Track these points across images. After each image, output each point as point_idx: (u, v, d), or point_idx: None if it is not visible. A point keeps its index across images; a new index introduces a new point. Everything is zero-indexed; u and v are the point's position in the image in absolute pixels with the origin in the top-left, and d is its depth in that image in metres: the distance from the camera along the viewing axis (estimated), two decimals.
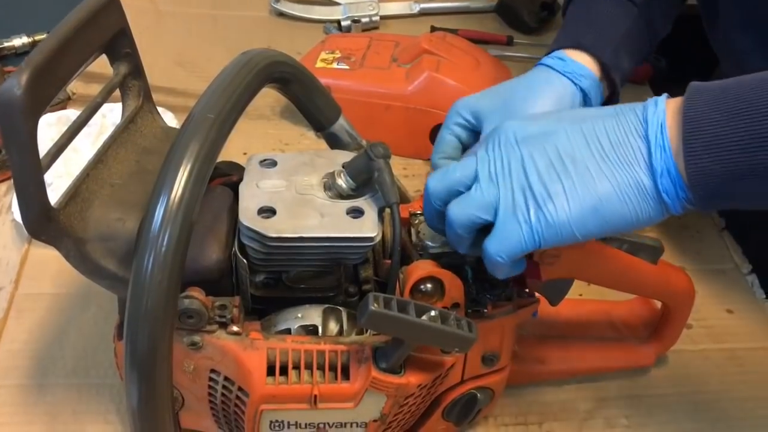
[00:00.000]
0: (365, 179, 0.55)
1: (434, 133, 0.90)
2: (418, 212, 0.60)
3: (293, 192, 0.55)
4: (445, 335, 0.51)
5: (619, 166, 0.46)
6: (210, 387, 0.56)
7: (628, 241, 0.61)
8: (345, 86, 0.89)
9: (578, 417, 0.66)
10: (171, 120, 0.87)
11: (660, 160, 0.45)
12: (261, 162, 0.58)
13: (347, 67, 0.91)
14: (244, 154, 0.90)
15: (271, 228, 0.52)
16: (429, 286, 0.54)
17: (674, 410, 0.67)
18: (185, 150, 0.46)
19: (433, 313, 0.50)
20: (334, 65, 0.92)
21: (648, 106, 0.47)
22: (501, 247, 0.49)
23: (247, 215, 0.53)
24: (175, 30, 1.11)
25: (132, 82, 0.57)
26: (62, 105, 0.93)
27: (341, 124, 0.61)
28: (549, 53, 0.74)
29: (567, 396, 0.68)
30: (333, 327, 0.57)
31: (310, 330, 0.56)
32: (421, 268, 0.53)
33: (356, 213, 0.54)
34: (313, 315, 0.56)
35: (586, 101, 0.71)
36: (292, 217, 0.53)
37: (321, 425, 0.55)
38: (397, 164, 0.91)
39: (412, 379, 0.53)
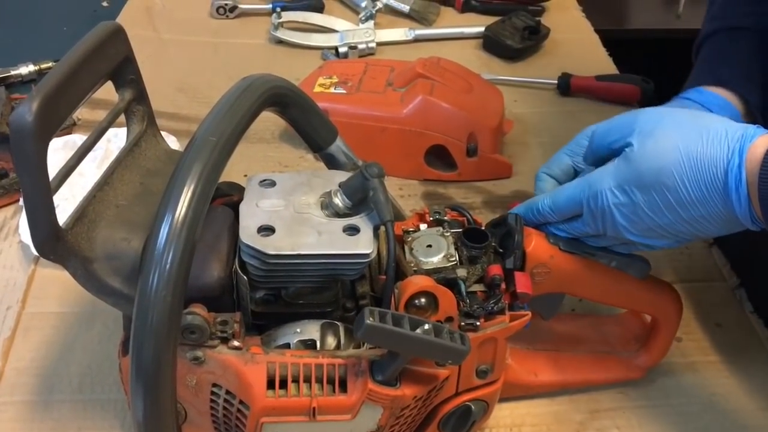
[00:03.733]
0: (361, 198, 0.57)
1: (428, 154, 0.93)
2: (411, 230, 0.63)
3: (291, 211, 0.57)
4: (438, 348, 0.53)
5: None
6: (212, 401, 0.57)
7: (617, 257, 0.64)
8: (342, 110, 0.92)
9: (571, 428, 0.68)
10: (174, 143, 0.89)
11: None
12: (261, 182, 0.60)
13: (344, 91, 0.94)
14: (245, 176, 0.93)
15: (270, 246, 0.54)
16: (423, 300, 0.55)
17: (664, 421, 0.69)
18: (188, 171, 0.49)
19: (426, 326, 0.52)
20: (332, 90, 0.94)
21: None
22: None
23: (247, 233, 0.55)
24: (177, 58, 1.14)
25: (136, 107, 0.59)
26: (68, 130, 0.96)
27: (338, 146, 0.64)
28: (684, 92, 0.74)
29: (560, 407, 0.70)
30: (331, 341, 0.59)
31: (309, 344, 0.57)
32: (415, 283, 0.55)
33: (352, 231, 0.57)
34: (311, 330, 0.58)
35: None
36: (291, 235, 0.56)
37: None
38: (393, 184, 0.93)
39: (407, 391, 0.55)
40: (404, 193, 0.92)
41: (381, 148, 0.92)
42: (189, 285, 0.54)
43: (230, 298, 0.57)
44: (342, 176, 0.61)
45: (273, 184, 0.60)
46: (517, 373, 0.68)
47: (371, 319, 0.51)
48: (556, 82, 1.11)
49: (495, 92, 0.98)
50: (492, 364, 0.61)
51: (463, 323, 0.57)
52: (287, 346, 0.57)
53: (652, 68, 1.07)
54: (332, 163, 0.64)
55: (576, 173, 0.66)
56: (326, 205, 0.58)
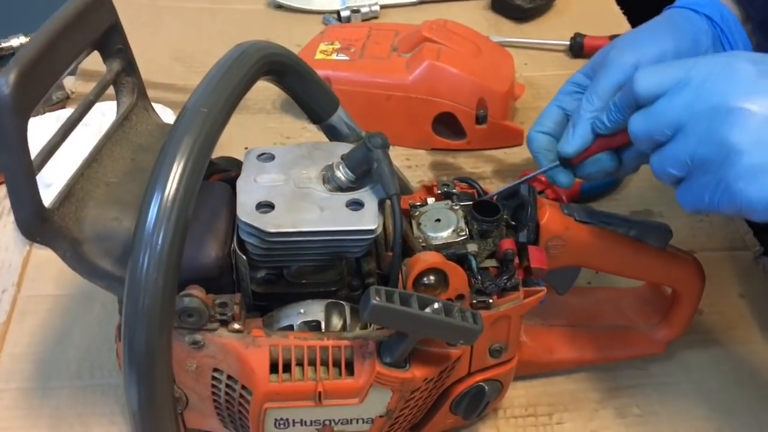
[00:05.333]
0: (364, 171, 0.54)
1: (436, 122, 0.89)
2: (418, 203, 0.59)
3: (292, 186, 0.54)
4: (449, 327, 0.50)
5: None
6: (213, 386, 0.55)
7: (636, 226, 0.60)
8: (345, 77, 0.88)
9: (589, 407, 0.65)
10: (169, 116, 0.86)
11: None
12: (259, 156, 0.57)
13: (347, 57, 0.90)
14: (245, 148, 0.89)
15: (270, 223, 0.51)
16: (432, 278, 0.52)
17: (686, 398, 0.66)
18: (178, 146, 0.45)
19: (436, 305, 0.49)
20: (334, 56, 0.91)
21: None
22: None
23: (245, 210, 0.52)
24: (172, 25, 1.10)
25: (125, 78, 0.56)
26: (62, 104, 0.93)
27: (339, 116, 0.60)
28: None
29: (577, 386, 0.67)
30: (336, 322, 0.56)
31: (313, 326, 0.55)
32: (423, 260, 0.52)
33: (356, 205, 0.53)
34: (315, 310, 0.55)
35: (719, 33, 0.63)
36: (291, 211, 0.52)
37: (326, 422, 0.54)
38: (400, 155, 0.90)
39: (417, 372, 0.52)
40: (411, 163, 0.89)
41: (386, 117, 0.89)
42: (185, 266, 0.51)
43: (230, 279, 0.55)
44: (345, 148, 0.58)
45: (272, 157, 0.57)
46: (531, 351, 0.65)
47: (377, 298, 0.48)
48: (568, 43, 1.06)
49: (505, 55, 0.94)
50: (506, 342, 0.58)
51: (474, 301, 0.54)
52: (290, 327, 0.54)
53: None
54: (334, 134, 0.61)
55: (567, 117, 0.64)
56: (328, 179, 0.55)
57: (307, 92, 0.59)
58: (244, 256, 0.53)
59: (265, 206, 0.53)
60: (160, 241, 0.44)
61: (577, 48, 1.05)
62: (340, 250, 0.54)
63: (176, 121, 0.47)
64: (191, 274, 0.52)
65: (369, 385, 0.52)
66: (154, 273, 0.44)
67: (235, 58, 0.52)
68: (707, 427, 0.64)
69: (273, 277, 0.56)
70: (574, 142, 0.57)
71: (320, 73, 0.88)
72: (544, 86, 1.01)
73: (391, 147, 0.89)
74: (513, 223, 0.59)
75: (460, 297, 0.54)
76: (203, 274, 0.53)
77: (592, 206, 0.61)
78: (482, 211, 0.58)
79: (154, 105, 0.86)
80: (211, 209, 0.55)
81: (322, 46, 0.92)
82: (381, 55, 0.90)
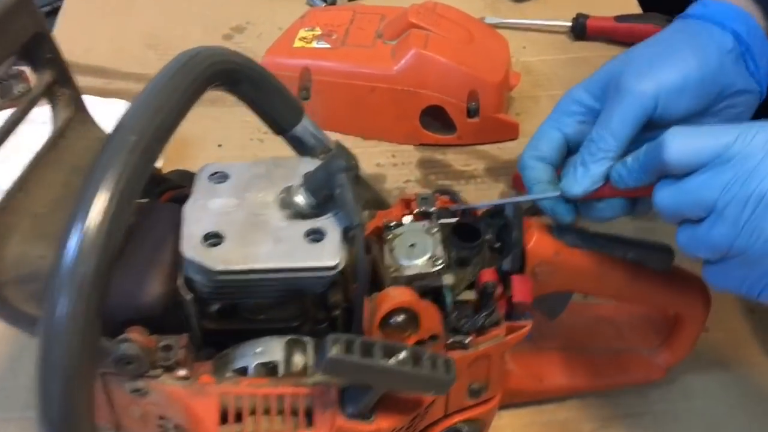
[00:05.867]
0: (326, 195, 0.48)
1: (424, 115, 0.82)
2: (393, 223, 0.53)
3: (245, 212, 0.48)
4: (417, 379, 0.44)
5: None
6: (161, 429, 0.50)
7: (634, 248, 0.54)
8: (326, 67, 0.82)
9: None
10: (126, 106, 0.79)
11: None
12: (211, 176, 0.51)
13: (328, 45, 0.83)
14: (219, 146, 0.84)
15: (217, 259, 0.46)
16: (401, 318, 0.47)
17: (687, 428, 0.61)
18: (99, 183, 0.39)
19: (402, 354, 0.44)
20: (314, 44, 0.84)
21: None
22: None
23: (190, 243, 0.46)
24: (146, 8, 1.02)
25: (60, 90, 0.50)
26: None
27: (305, 126, 0.54)
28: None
29: (568, 415, 0.62)
30: (298, 360, 0.50)
31: (270, 368, 0.49)
32: (391, 297, 0.47)
33: (316, 236, 0.48)
34: (274, 349, 0.50)
35: (744, 50, 0.54)
36: (242, 243, 0.47)
37: None
38: (385, 151, 0.83)
39: (384, 424, 0.47)
40: (397, 160, 0.82)
41: (371, 110, 0.82)
42: (125, 305, 0.47)
43: (176, 316, 0.49)
44: (309, 164, 0.52)
45: (225, 177, 0.51)
46: (519, 379, 0.60)
47: (335, 350, 0.42)
48: (570, 24, 0.99)
49: (499, 41, 0.87)
50: (486, 382, 0.52)
51: (450, 341, 0.49)
52: (245, 370, 0.49)
53: (681, 5, 0.94)
54: (299, 146, 0.55)
55: (570, 150, 0.55)
56: (287, 204, 0.49)
57: (266, 102, 0.52)
58: (189, 296, 0.47)
59: (214, 237, 0.47)
60: (80, 282, 0.38)
61: (580, 29, 0.98)
62: (298, 287, 0.48)
63: (104, 145, 0.42)
64: (131, 314, 0.47)
65: None
66: (71, 322, 0.38)
67: (178, 68, 0.46)
68: None
69: (227, 311, 0.50)
70: (582, 183, 0.50)
71: (299, 62, 0.83)
72: (543, 72, 0.93)
73: (376, 142, 0.84)
74: (497, 245, 0.53)
75: (434, 337, 0.48)
76: (145, 314, 0.47)
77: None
78: (463, 233, 0.52)
79: (119, 101, 0.81)
80: (156, 237, 0.49)
81: (302, 32, 0.86)
82: (365, 42, 0.83)
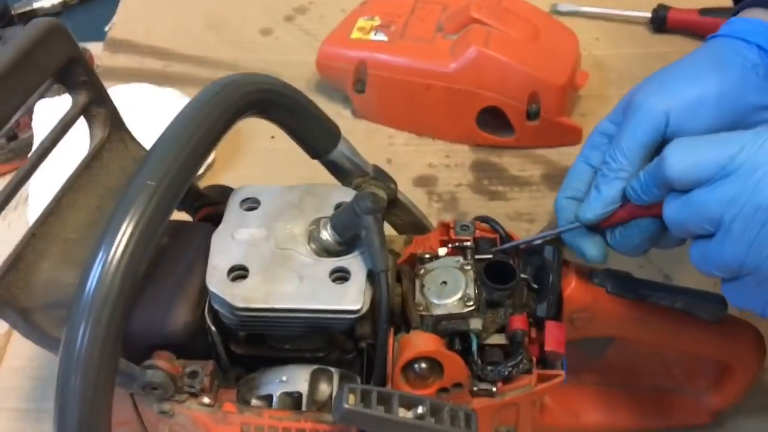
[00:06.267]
0: (353, 235, 0.47)
1: (481, 114, 0.79)
2: (427, 256, 0.52)
3: (272, 245, 0.48)
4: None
5: None
6: None
7: (683, 297, 0.51)
8: (382, 61, 0.79)
9: None
10: (178, 98, 0.79)
11: None
12: (243, 202, 0.50)
13: (386, 37, 0.81)
14: (272, 137, 0.83)
15: (240, 296, 0.45)
16: (424, 366, 0.45)
17: None
18: (126, 212, 0.39)
19: (421, 409, 0.43)
20: (371, 35, 0.81)
21: None
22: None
23: (216, 277, 0.46)
24: None
25: (95, 110, 0.50)
26: None
27: (341, 151, 0.52)
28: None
29: None
30: (324, 389, 0.50)
31: (295, 397, 0.49)
32: (415, 345, 0.45)
33: (341, 276, 0.46)
34: (299, 379, 0.49)
35: None
36: (267, 280, 0.46)
37: None
38: (439, 150, 0.81)
39: None
40: (451, 161, 0.80)
41: (425, 107, 0.80)
42: (152, 331, 0.47)
43: (204, 341, 0.49)
44: (342, 194, 0.51)
45: (257, 204, 0.50)
46: (554, 414, 0.58)
47: (351, 400, 0.42)
48: (650, 15, 0.92)
49: (568, 37, 0.82)
50: (515, 426, 0.51)
51: (475, 388, 0.47)
52: (269, 398, 0.49)
53: None
54: (335, 171, 0.53)
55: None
56: (314, 238, 0.48)
57: (301, 127, 0.51)
58: (213, 328, 0.47)
59: (239, 272, 0.47)
60: (96, 318, 0.39)
61: (660, 22, 0.91)
62: (320, 325, 0.47)
63: (133, 175, 0.41)
64: (159, 340, 0.47)
65: None
66: (89, 351, 0.39)
67: (210, 98, 0.45)
68: None
69: (254, 338, 0.50)
70: (594, 206, 0.47)
71: (356, 55, 0.81)
72: (616, 69, 0.88)
73: (430, 140, 0.82)
74: (535, 286, 0.51)
75: (458, 385, 0.47)
76: (172, 340, 0.48)
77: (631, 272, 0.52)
78: (497, 273, 0.49)
79: (172, 91, 0.81)
80: (187, 261, 0.49)
81: (361, 22, 0.83)
82: (424, 35, 0.80)
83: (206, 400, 0.47)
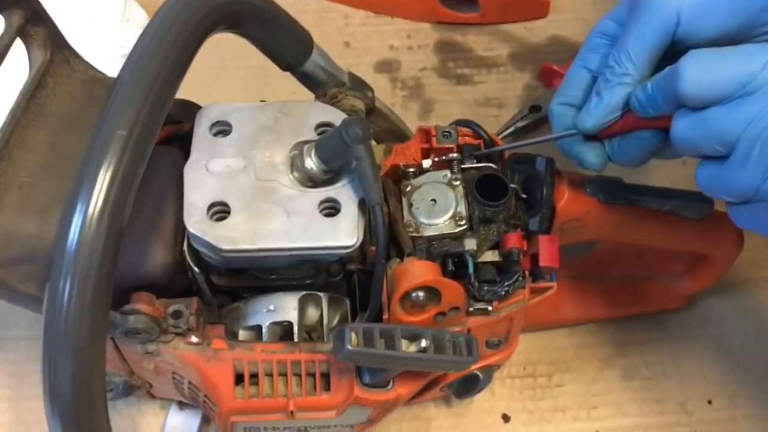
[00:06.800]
0: (341, 164, 0.43)
1: None
2: (411, 170, 0.49)
3: (252, 177, 0.44)
4: (439, 363, 0.43)
5: None
6: (175, 382, 0.50)
7: (671, 200, 0.51)
8: None
9: (593, 367, 0.60)
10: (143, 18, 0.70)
11: None
12: (212, 127, 0.46)
13: None
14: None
15: (223, 237, 0.42)
16: (421, 295, 0.44)
17: (702, 357, 0.60)
18: (102, 154, 0.36)
19: (424, 342, 0.42)
20: None
21: None
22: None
23: (194, 216, 0.43)
24: None
25: (33, 30, 0.43)
26: None
27: (314, 61, 0.48)
28: None
29: (582, 340, 0.61)
30: (312, 314, 0.49)
31: (284, 326, 0.48)
32: (413, 276, 0.44)
33: (331, 208, 0.44)
34: (287, 308, 0.48)
35: None
36: (251, 217, 0.43)
37: (301, 428, 0.49)
38: (399, 30, 0.76)
39: (402, 390, 0.46)
40: (413, 43, 0.75)
41: None
42: (128, 274, 0.44)
43: (184, 277, 0.47)
44: (320, 111, 0.47)
45: (228, 127, 0.46)
46: (534, 310, 0.58)
47: (353, 339, 0.41)
48: None
49: None
50: (506, 335, 0.51)
51: (471, 309, 0.47)
52: (258, 329, 0.47)
53: None
54: (309, 82, 0.49)
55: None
56: (298, 167, 0.44)
57: (272, 38, 0.46)
58: (197, 269, 0.44)
59: (220, 209, 0.43)
60: (82, 270, 0.36)
61: None
62: (311, 259, 0.45)
63: (103, 109, 0.37)
64: (137, 282, 0.45)
65: (347, 405, 0.46)
66: (78, 308, 0.36)
67: (173, 19, 0.39)
68: (720, 393, 0.59)
69: (237, 271, 0.48)
70: (595, 114, 0.44)
71: None
72: None
73: (389, 19, 0.76)
74: (524, 196, 0.49)
75: (455, 308, 0.46)
76: (150, 281, 0.45)
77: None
78: (487, 187, 0.47)
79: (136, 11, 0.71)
80: (157, 193, 0.45)
81: None
82: None
83: (194, 339, 0.45)
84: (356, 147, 0.41)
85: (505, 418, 0.58)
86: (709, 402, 0.59)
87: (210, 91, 0.70)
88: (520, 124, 0.68)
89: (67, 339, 0.36)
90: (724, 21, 0.42)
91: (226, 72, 0.71)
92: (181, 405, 0.57)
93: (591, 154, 0.46)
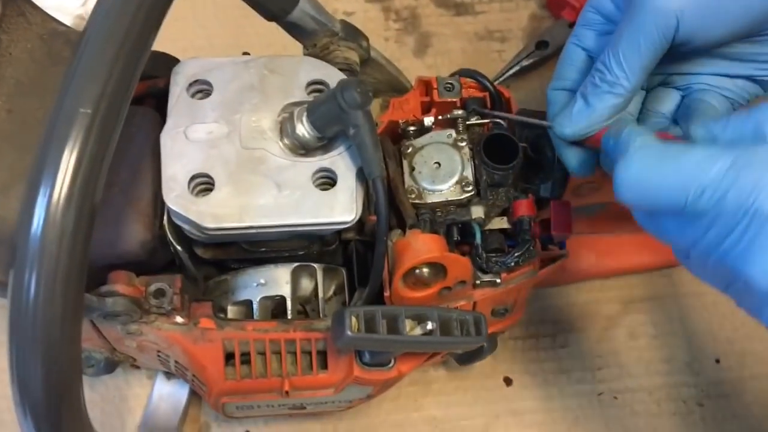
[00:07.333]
0: (336, 131, 0.39)
1: None
2: (412, 128, 0.45)
3: (237, 145, 0.40)
4: (446, 344, 0.40)
5: None
6: (161, 359, 0.46)
7: None
8: None
9: (598, 326, 0.58)
10: None
11: None
12: (190, 86, 0.41)
13: None
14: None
15: (207, 214, 0.38)
16: (426, 271, 0.41)
17: (711, 314, 0.58)
18: (70, 124, 0.31)
19: (430, 325, 0.39)
20: None
21: None
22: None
23: (174, 191, 0.38)
24: None
25: None
26: None
27: (303, 9, 0.42)
28: None
29: (588, 297, 0.59)
30: (306, 285, 0.46)
31: (277, 300, 0.44)
32: (417, 252, 0.40)
33: (326, 179, 0.40)
34: (279, 281, 0.44)
35: None
36: (238, 190, 0.39)
37: (297, 405, 0.47)
38: None
39: (403, 368, 0.44)
40: None
41: None
42: (103, 254, 0.40)
43: (165, 252, 0.43)
44: (310, 67, 0.42)
45: (209, 87, 0.41)
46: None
47: (354, 327, 0.37)
48: None
49: None
50: (512, 305, 0.48)
51: (478, 281, 0.43)
52: (249, 304, 0.44)
53: None
54: (298, 33, 0.44)
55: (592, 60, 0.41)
56: (288, 133, 0.40)
57: None
58: (179, 247, 0.40)
59: (202, 180, 0.39)
60: (50, 262, 0.31)
61: None
62: (305, 235, 0.41)
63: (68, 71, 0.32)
64: (113, 260, 0.41)
65: (345, 384, 0.43)
66: (47, 301, 0.32)
67: None
68: (728, 351, 0.57)
69: (224, 244, 0.44)
70: (577, 121, 0.38)
71: None
72: None
73: None
74: (533, 155, 0.45)
75: (461, 282, 0.43)
76: (129, 259, 0.41)
77: None
78: (495, 147, 0.43)
79: None
80: (131, 163, 0.41)
81: None
82: None
83: (179, 319, 0.42)
84: (354, 113, 0.37)
85: (507, 381, 0.56)
86: (717, 361, 0.57)
87: (183, 25, 0.64)
88: (525, 63, 0.63)
89: (35, 336, 0.32)
90: (731, 24, 0.37)
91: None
92: (168, 375, 0.54)
93: (572, 158, 0.40)
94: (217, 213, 0.38)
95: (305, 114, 0.39)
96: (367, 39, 0.46)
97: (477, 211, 0.43)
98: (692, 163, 0.31)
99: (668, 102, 0.41)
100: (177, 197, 0.38)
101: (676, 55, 0.38)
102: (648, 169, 0.32)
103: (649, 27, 0.36)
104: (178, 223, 0.39)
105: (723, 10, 0.36)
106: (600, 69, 0.38)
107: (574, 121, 0.38)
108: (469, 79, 0.47)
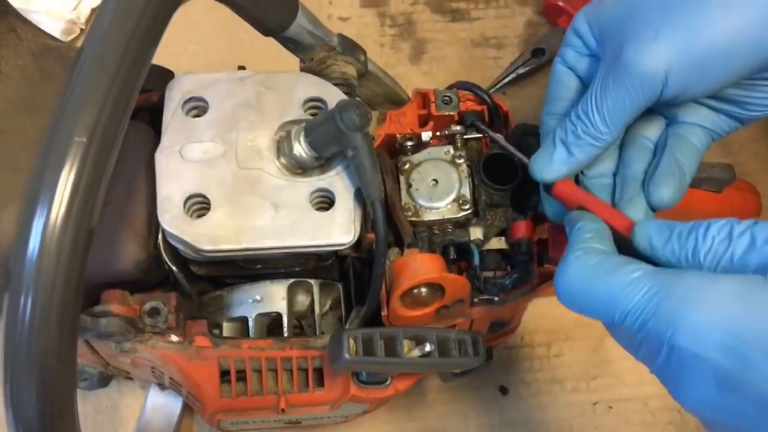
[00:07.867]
0: (334, 152, 0.38)
1: None
2: (410, 143, 0.44)
3: (233, 165, 0.39)
4: (443, 365, 0.40)
5: None
6: (155, 374, 0.46)
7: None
8: None
9: (593, 335, 0.58)
10: None
11: None
12: (185, 103, 0.40)
13: None
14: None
15: (204, 237, 0.38)
16: (424, 291, 0.40)
17: None
18: (68, 145, 0.30)
19: (428, 347, 0.39)
20: None
21: None
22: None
23: (170, 212, 0.38)
24: None
25: None
26: None
27: (300, 24, 0.41)
28: None
29: None
30: (302, 300, 0.45)
31: (273, 317, 0.44)
32: (415, 272, 0.39)
33: (324, 199, 0.39)
34: (275, 297, 0.44)
35: None
36: (235, 212, 0.38)
37: (293, 420, 0.46)
38: None
39: (400, 386, 0.44)
40: None
41: None
42: (97, 274, 0.39)
43: (159, 270, 0.42)
44: (309, 84, 0.41)
45: (204, 104, 0.40)
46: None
47: (352, 350, 0.37)
48: None
49: None
50: (509, 318, 0.48)
51: (476, 300, 0.43)
52: (244, 321, 0.44)
53: None
54: (295, 47, 0.43)
55: (584, 85, 0.40)
56: (285, 153, 0.39)
57: (253, 4, 0.39)
58: (174, 267, 0.40)
59: (198, 201, 0.38)
60: (46, 283, 0.31)
61: None
62: (303, 256, 0.41)
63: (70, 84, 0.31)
64: (107, 279, 0.40)
65: (342, 402, 0.43)
66: (42, 327, 0.32)
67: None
68: None
69: (220, 262, 0.43)
70: (557, 168, 0.37)
71: None
72: None
73: None
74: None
75: (459, 301, 0.42)
76: (123, 278, 0.41)
77: None
78: (494, 166, 0.43)
79: None
80: (125, 181, 0.40)
81: None
82: None
83: (174, 338, 0.41)
84: (352, 135, 0.36)
85: (503, 390, 0.56)
86: None
87: (175, 30, 0.63)
88: (521, 70, 0.63)
89: (31, 361, 0.32)
90: (722, 76, 0.36)
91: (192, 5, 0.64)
92: (162, 386, 0.54)
93: (549, 203, 0.40)
94: (214, 235, 0.37)
95: (303, 134, 0.38)
96: (364, 52, 0.45)
97: (476, 233, 0.42)
98: (619, 287, 0.31)
99: (654, 127, 0.41)
100: (172, 218, 0.38)
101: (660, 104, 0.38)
102: (580, 283, 0.33)
103: (635, 90, 0.36)
104: (174, 243, 0.39)
105: (707, 71, 0.36)
106: (583, 120, 0.37)
107: (555, 168, 0.38)
108: (466, 92, 0.47)
